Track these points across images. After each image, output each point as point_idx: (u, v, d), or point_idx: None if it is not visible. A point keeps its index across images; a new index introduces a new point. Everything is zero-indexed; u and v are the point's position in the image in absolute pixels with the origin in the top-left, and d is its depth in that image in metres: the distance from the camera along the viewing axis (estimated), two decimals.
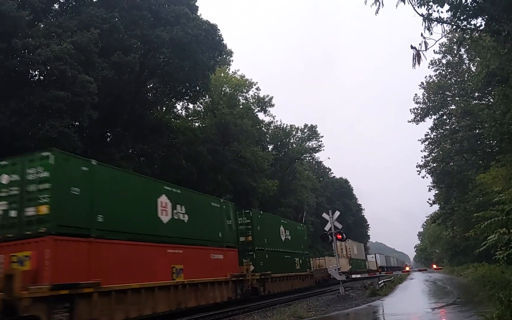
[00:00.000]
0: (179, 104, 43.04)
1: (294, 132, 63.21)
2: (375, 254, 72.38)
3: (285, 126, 60.92)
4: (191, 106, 44.05)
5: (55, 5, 29.65)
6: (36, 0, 24.55)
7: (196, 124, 44.95)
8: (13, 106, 21.79)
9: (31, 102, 22.13)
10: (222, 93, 45.75)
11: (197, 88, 35.55)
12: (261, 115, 53.42)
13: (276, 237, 29.11)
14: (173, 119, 39.57)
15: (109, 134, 31.64)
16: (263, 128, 55.61)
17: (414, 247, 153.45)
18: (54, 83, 23.34)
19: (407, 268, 54.57)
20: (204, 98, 41.53)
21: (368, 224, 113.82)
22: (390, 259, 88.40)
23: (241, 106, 47.61)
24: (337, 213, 23.25)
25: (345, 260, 44.02)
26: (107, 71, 26.35)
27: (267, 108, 52.61)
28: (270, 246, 27.41)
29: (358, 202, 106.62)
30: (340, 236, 22.82)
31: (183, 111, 45.58)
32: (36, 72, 24.93)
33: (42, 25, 26.09)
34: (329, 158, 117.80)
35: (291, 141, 62.64)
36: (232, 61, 51.72)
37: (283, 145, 60.29)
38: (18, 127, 21.70)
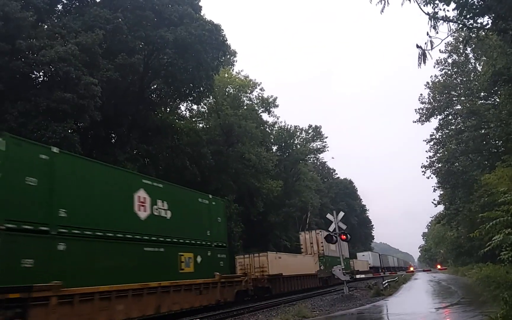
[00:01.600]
0: (183, 105, 43.16)
1: (298, 133, 63.07)
2: (369, 253, 65.93)
3: (289, 127, 60.86)
4: (195, 107, 44.19)
5: (58, 6, 29.78)
6: (39, 1, 24.67)
7: (200, 125, 45.01)
8: (20, 107, 21.91)
9: (38, 103, 22.24)
10: (226, 93, 45.78)
11: (201, 88, 35.54)
12: (265, 116, 53.45)
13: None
14: (177, 120, 39.62)
15: (113, 135, 31.71)
16: (267, 129, 55.57)
17: (419, 248, 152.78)
18: (59, 85, 23.45)
19: (411, 269, 54.22)
20: (208, 99, 41.57)
21: (373, 225, 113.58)
22: (389, 258, 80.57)
23: (245, 107, 47.62)
24: (341, 214, 23.18)
25: (310, 258, 35.55)
26: (111, 73, 26.44)
27: (271, 109, 52.59)
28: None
29: (363, 203, 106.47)
30: (344, 236, 22.72)
31: (187, 112, 45.71)
32: (41, 74, 25.06)
33: (46, 26, 26.18)
34: (333, 158, 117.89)
35: (295, 142, 62.49)
36: (236, 61, 51.79)
37: (287, 146, 60.19)
38: (25, 129, 21.80)
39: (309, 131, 64.54)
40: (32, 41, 22.83)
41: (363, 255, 61.40)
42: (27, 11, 22.60)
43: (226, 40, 35.24)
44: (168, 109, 39.77)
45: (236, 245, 34.41)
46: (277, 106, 52.58)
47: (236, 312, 18.52)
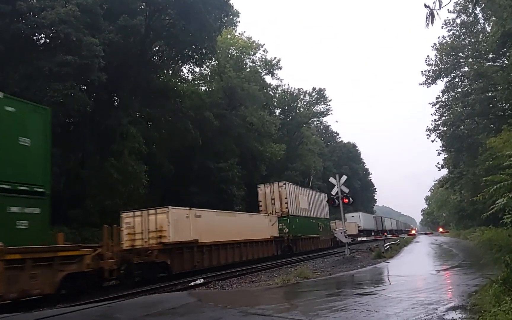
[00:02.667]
0: (185, 68, 42.61)
1: (302, 96, 62.53)
2: (359, 213, 57.80)
3: (292, 90, 60.24)
4: (197, 69, 43.55)
5: None
6: None
7: (203, 88, 44.55)
8: (22, 70, 21.69)
9: (40, 67, 22.02)
10: (229, 55, 45.09)
11: (203, 50, 34.99)
12: (268, 79, 52.82)
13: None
14: (179, 83, 39.20)
15: (116, 98, 31.47)
16: (271, 92, 55.03)
17: (421, 211, 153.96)
18: (61, 47, 23.13)
19: (413, 232, 54.44)
20: (210, 61, 40.95)
21: (375, 188, 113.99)
22: (385, 221, 73.58)
23: (248, 70, 46.98)
24: (344, 177, 23.15)
25: (267, 220, 27.72)
26: (113, 35, 25.98)
27: (274, 71, 51.95)
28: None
29: (366, 167, 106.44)
30: (346, 200, 22.79)
31: (190, 75, 45.14)
32: (42, 36, 24.69)
33: None
34: (337, 122, 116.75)
35: (299, 105, 62.01)
36: (239, 22, 50.74)
37: (291, 109, 59.75)
38: (28, 92, 21.63)
39: (313, 94, 63.94)
40: (33, 2, 22.32)
41: (352, 216, 53.79)
42: None
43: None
44: (171, 72, 39.28)
45: (238, 209, 34.64)
46: (280, 68, 51.95)
47: (239, 272, 18.98)
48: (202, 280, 16.55)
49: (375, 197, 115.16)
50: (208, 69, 44.56)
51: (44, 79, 22.33)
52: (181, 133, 32.66)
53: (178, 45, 33.88)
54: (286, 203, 29.49)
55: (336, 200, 22.81)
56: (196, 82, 44.97)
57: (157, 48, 35.90)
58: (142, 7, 30.10)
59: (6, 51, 21.80)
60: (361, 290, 10.43)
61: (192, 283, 16.11)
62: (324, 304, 8.16)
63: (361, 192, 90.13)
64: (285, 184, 30.27)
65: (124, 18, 27.14)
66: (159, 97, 32.68)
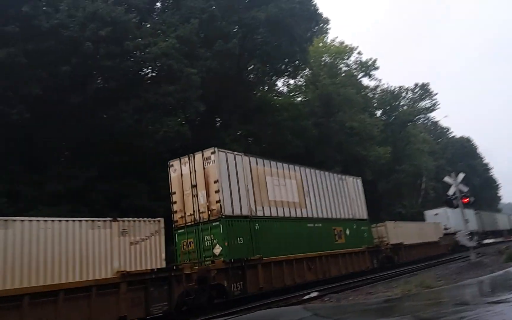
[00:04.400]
0: (280, 81, 43.26)
1: (403, 93, 59.49)
2: (445, 209, 37.55)
3: (393, 88, 57.64)
4: (292, 81, 43.93)
5: (157, 3, 31.58)
6: (140, 1, 26.34)
7: (299, 99, 44.71)
8: (133, 104, 23.89)
9: (147, 99, 24.06)
10: (322, 63, 44.75)
11: (296, 62, 35.33)
12: (365, 81, 51.29)
13: None
14: (275, 97, 39.88)
15: (217, 119, 33.06)
16: (369, 94, 53.31)
17: None
18: (164, 79, 25.05)
19: None
20: (304, 71, 41.06)
21: (498, 184, 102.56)
22: (498, 218, 58.53)
23: (343, 74, 46.14)
24: (461, 175, 21.34)
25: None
26: (210, 62, 27.39)
27: (371, 72, 50.32)
28: None
29: (485, 162, 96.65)
30: (466, 200, 20.95)
31: (285, 87, 45.70)
32: (148, 70, 27.00)
33: (148, 25, 27.96)
34: (446, 116, 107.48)
35: (401, 103, 59.06)
36: (330, 29, 50.25)
37: (393, 109, 57.12)
38: (140, 125, 23.81)
39: (416, 90, 60.45)
40: (138, 40, 24.49)
41: (436, 214, 39.46)
42: (130, 14, 24.29)
43: (318, 9, 34.43)
44: (266, 88, 40.16)
45: None
46: (377, 68, 50.03)
47: (353, 284, 18.43)
48: (316, 293, 16.37)
49: (498, 195, 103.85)
50: (302, 80, 44.69)
51: (152, 111, 24.30)
52: (281, 145, 33.09)
53: (271, 61, 34.60)
54: (218, 192, 16.32)
55: (454, 202, 21.09)
56: (291, 93, 45.32)
57: (251, 66, 37.04)
58: (235, 30, 31.29)
59: (118, 87, 24.14)
60: (493, 298, 9.36)
61: (306, 297, 16.02)
62: (452, 315, 7.44)
63: (480, 190, 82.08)
64: (215, 152, 16.72)
65: (219, 43, 28.45)
66: (256, 113, 33.60)
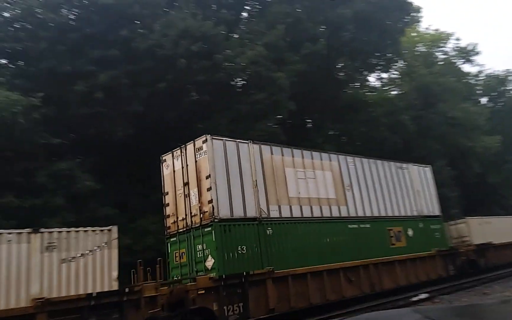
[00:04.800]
0: (372, 77, 41.77)
1: (510, 77, 54.06)
2: None
3: (498, 73, 52.65)
4: (385, 75, 42.18)
5: (243, 13, 32.38)
6: (227, 14, 27.25)
7: (394, 93, 42.74)
8: (227, 115, 24.75)
9: (240, 110, 24.74)
10: (417, 53, 42.40)
11: (388, 55, 33.97)
12: (466, 67, 47.56)
13: None
14: (368, 93, 38.56)
15: (308, 121, 32.85)
16: (471, 81, 49.28)
17: None
18: (254, 86, 25.58)
19: None
20: (397, 63, 39.25)
21: None
22: None
23: (441, 63, 43.28)
24: None
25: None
26: (299, 65, 27.35)
27: (472, 58, 46.56)
28: None
29: None
30: None
31: (378, 82, 44.02)
32: (239, 80, 27.74)
33: (236, 36, 28.78)
34: None
35: (509, 88, 53.68)
36: (422, 17, 47.52)
37: (500, 95, 52.12)
38: (235, 134, 24.47)
39: None
40: (227, 52, 25.33)
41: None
42: (218, 26, 25.20)
43: None
44: (358, 84, 39.02)
45: (454, 212, 31.37)
46: (478, 53, 46.29)
47: (467, 285, 17.06)
48: (426, 295, 15.50)
49: None
50: (396, 73, 42.71)
51: (245, 120, 24.86)
52: (377, 142, 31.84)
53: (361, 57, 33.62)
54: (210, 190, 13.45)
55: None
56: (385, 88, 43.51)
57: (341, 65, 36.25)
58: (322, 30, 30.89)
59: (211, 100, 25.10)
60: None
61: (415, 298, 15.21)
62: None
63: None
64: (206, 141, 13.97)
65: (307, 46, 28.29)
66: (348, 111, 32.84)
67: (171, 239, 14.42)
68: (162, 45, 23.11)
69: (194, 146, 14.12)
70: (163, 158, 15.29)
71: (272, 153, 15.52)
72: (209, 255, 12.92)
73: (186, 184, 14.13)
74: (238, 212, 13.71)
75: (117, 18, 22.94)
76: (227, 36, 27.46)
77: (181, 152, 14.56)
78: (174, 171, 14.71)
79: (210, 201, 13.13)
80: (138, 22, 24.46)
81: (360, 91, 37.10)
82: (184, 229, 13.93)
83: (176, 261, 14.05)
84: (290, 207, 15.36)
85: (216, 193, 13.23)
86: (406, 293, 16.88)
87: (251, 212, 14.07)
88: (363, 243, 17.24)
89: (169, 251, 14.41)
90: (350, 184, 17.95)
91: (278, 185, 15.18)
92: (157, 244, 20.15)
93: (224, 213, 13.29)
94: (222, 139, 14.35)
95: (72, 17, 23.51)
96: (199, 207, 13.50)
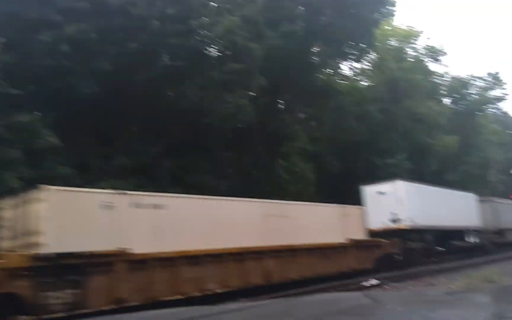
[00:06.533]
0: (344, 65, 42.10)
1: (473, 81, 56.29)
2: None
3: (462, 76, 54.73)
4: (357, 65, 42.65)
5: None
6: None
7: (364, 84, 43.36)
8: (198, 82, 24.14)
9: (212, 77, 24.18)
10: (389, 47, 43.05)
11: (362, 45, 34.22)
12: (433, 66, 48.95)
13: None
14: (340, 81, 38.86)
15: (280, 102, 32.74)
16: (437, 80, 50.87)
17: None
18: (228, 57, 25.05)
19: None
20: (370, 55, 39.67)
21: None
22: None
23: (410, 59, 44.22)
24: None
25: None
26: (275, 41, 26.98)
27: (439, 57, 47.98)
28: None
29: None
30: None
31: (350, 71, 44.46)
32: (213, 49, 27.05)
33: (214, 4, 27.95)
34: None
35: (471, 91, 55.93)
36: (396, 11, 48.13)
37: (462, 97, 54.27)
38: (203, 101, 23.98)
39: (487, 79, 57.05)
40: (203, 19, 24.53)
41: (381, 193, 23.18)
42: None
43: None
44: (330, 71, 39.21)
45: None
46: (445, 53, 47.87)
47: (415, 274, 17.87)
48: (376, 281, 15.97)
49: None
50: (368, 64, 43.25)
51: (216, 89, 24.38)
52: (344, 130, 32.27)
53: (336, 43, 33.64)
54: None
55: None
56: (356, 78, 44.04)
57: (316, 49, 36.20)
58: (301, 11, 30.60)
59: (184, 66, 24.39)
60: None
61: (366, 284, 15.66)
62: None
63: None
64: None
65: (285, 25, 27.94)
66: (320, 97, 32.96)
67: None
68: (136, 3, 22.06)
69: None
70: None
71: None
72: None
73: None
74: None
75: None
76: (204, 3, 26.65)
77: None
78: None
79: None
80: None
81: (332, 78, 37.31)
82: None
83: None
84: None
85: None
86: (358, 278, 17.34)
87: None
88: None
89: None
90: None
91: None
92: None
93: None
94: None
95: None
96: None
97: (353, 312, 7.93)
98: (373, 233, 21.28)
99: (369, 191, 23.38)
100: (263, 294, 13.76)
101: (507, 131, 73.72)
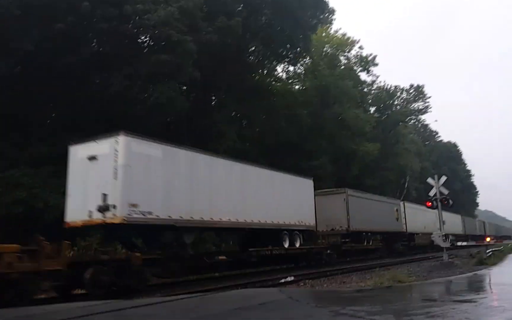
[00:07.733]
0: (279, 67, 43.06)
1: (398, 93, 60.10)
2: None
3: (388, 87, 58.08)
4: (291, 68, 43.82)
5: None
6: None
7: (297, 87, 44.64)
8: (125, 71, 23.46)
9: (140, 67, 23.63)
10: (323, 53, 44.66)
11: (298, 49, 35.17)
12: (363, 76, 51.51)
13: None
14: (273, 82, 39.76)
15: (213, 98, 32.86)
16: (365, 89, 53.56)
17: None
18: (161, 48, 24.61)
19: None
20: (304, 59, 40.92)
21: (477, 191, 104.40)
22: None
23: (342, 67, 46.17)
24: (443, 178, 21.88)
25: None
26: (211, 35, 26.93)
27: (370, 68, 50.60)
28: None
29: (467, 168, 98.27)
30: (446, 202, 21.48)
31: (284, 74, 45.51)
32: (146, 37, 26.44)
33: None
34: (436, 120, 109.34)
35: (395, 102, 59.59)
36: (334, 19, 50.01)
37: (387, 107, 57.59)
38: (130, 92, 23.35)
39: (411, 91, 61.33)
40: (138, 5, 23.77)
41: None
42: None
43: None
44: (265, 71, 39.97)
45: None
46: (376, 64, 50.56)
47: (329, 273, 18.94)
48: (292, 278, 16.67)
49: (477, 201, 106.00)
50: (302, 68, 44.52)
51: (143, 79, 23.85)
52: (274, 131, 33.12)
53: (273, 44, 34.36)
54: None
55: (434, 202, 21.61)
56: (290, 81, 45.19)
57: (253, 48, 36.76)
58: (240, 8, 30.96)
59: (113, 53, 23.61)
60: (460, 297, 9.81)
61: (283, 280, 16.31)
62: (419, 309, 7.86)
63: (461, 194, 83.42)
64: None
65: (222, 19, 28.07)
66: (253, 96, 33.51)
67: None
68: None
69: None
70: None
71: None
72: None
73: None
74: None
75: None
76: None
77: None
78: None
79: None
80: None
81: (266, 79, 38.05)
82: None
83: None
84: None
85: None
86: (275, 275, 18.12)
87: None
88: None
89: None
90: None
91: None
92: (30, 198, 18.87)
93: None
94: None
95: None
96: None
97: (267, 307, 8.59)
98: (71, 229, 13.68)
99: (78, 154, 14.20)
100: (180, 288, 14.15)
101: (426, 142, 79.76)
